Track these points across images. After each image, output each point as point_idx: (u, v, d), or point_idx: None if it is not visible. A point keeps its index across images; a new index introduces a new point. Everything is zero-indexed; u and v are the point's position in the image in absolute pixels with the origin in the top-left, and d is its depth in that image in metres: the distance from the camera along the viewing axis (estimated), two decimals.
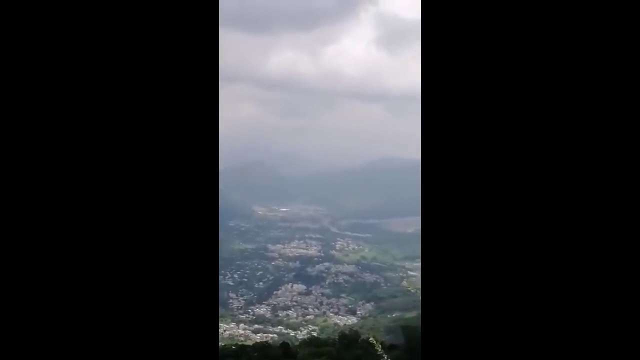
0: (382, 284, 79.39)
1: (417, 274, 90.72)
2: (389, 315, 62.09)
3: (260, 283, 79.67)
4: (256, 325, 62.84)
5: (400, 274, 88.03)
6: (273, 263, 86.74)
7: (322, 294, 76.26)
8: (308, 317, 67.44)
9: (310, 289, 76.35)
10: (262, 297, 74.48)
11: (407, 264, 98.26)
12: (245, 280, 79.69)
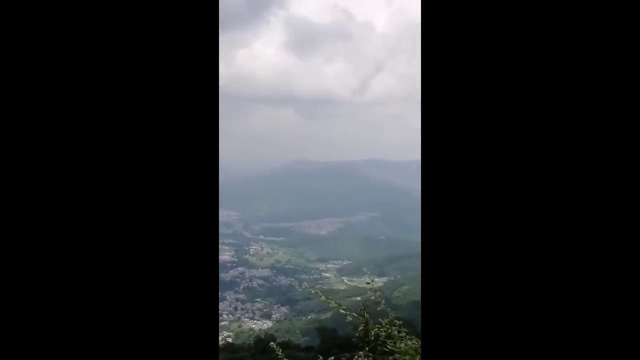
0: (297, 287, 79.89)
1: (330, 275, 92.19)
2: (304, 318, 62.61)
3: None
4: None
5: (315, 275, 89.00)
6: None
7: (237, 299, 75.46)
8: (222, 323, 66.42)
9: (224, 294, 75.25)
10: None
11: (321, 266, 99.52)
12: None
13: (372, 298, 3.29)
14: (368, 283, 3.45)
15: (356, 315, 3.07)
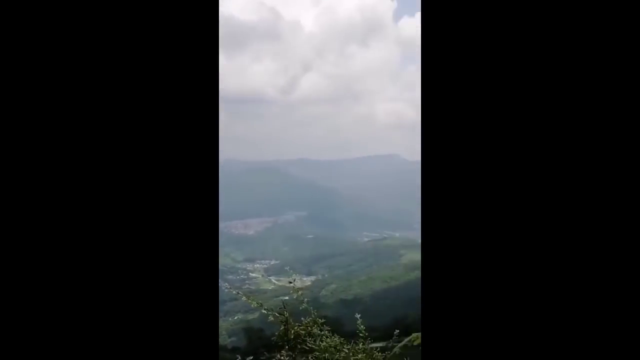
0: (224, 288, 78.74)
1: (258, 275, 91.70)
2: (230, 319, 61.88)
3: None
4: None
5: (242, 276, 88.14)
6: None
7: None
8: None
9: None
10: None
11: (249, 266, 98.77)
12: None
13: (295, 297, 3.32)
14: (290, 282, 3.48)
15: (278, 315, 3.10)
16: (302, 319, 3.14)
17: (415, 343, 2.55)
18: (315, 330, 3.08)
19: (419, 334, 2.55)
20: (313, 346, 2.93)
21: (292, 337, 3.02)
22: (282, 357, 2.96)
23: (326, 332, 3.10)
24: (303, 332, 3.04)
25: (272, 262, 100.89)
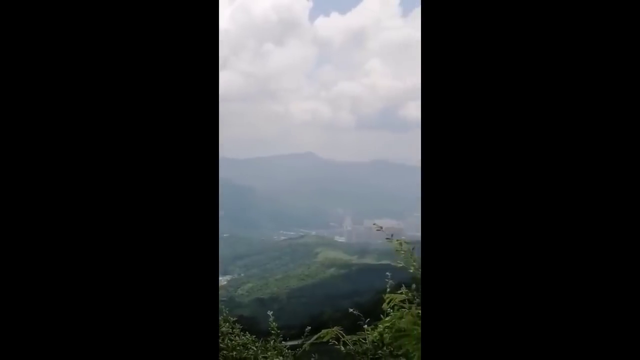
0: None
1: None
2: None
3: None
4: None
5: None
6: None
7: None
8: None
9: None
10: None
11: None
12: None
13: None
14: None
15: None
16: None
17: (325, 339, 2.55)
18: (225, 329, 3.01)
19: (328, 330, 2.56)
20: (221, 345, 2.86)
21: None
22: None
23: (237, 330, 3.05)
24: None
25: None
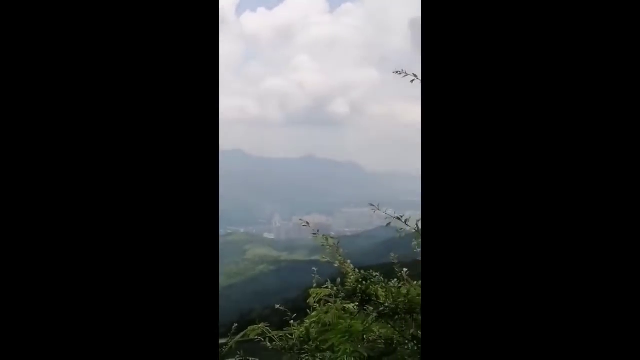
0: None
1: None
2: None
3: None
4: None
5: None
6: None
7: None
8: None
9: None
10: None
11: None
12: None
13: None
14: None
15: None
16: None
17: (251, 336, 2.53)
18: None
19: (254, 327, 2.54)
20: None
21: None
22: None
23: None
24: None
25: None
